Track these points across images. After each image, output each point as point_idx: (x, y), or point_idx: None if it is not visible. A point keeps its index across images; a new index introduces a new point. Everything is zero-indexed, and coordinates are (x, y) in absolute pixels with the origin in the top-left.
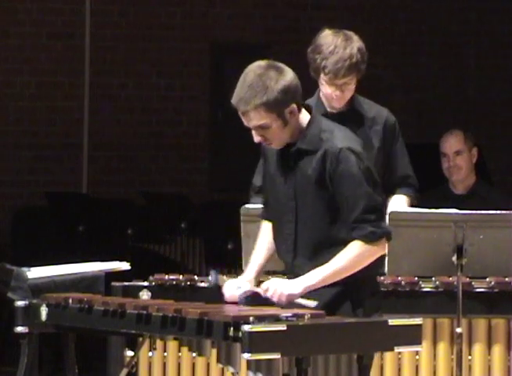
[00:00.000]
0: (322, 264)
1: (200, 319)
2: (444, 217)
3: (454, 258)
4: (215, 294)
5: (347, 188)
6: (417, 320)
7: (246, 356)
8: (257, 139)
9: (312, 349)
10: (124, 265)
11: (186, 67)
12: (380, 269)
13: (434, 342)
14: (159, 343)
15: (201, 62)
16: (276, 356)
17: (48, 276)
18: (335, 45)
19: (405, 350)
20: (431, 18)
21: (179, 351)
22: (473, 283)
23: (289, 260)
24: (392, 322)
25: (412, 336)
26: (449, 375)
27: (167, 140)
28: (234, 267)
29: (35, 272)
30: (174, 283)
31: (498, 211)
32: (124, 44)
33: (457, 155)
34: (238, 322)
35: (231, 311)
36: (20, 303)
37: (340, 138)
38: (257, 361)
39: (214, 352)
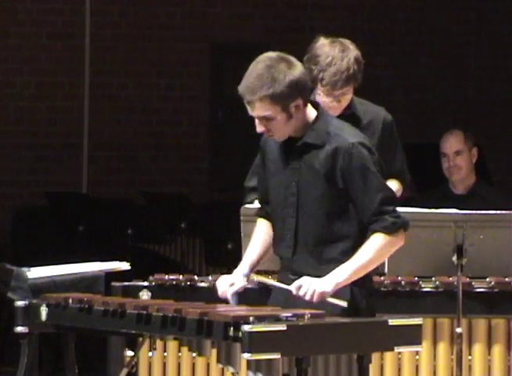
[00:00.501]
0: (322, 260)
1: (200, 320)
2: (444, 217)
3: (454, 258)
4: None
5: (362, 182)
6: (417, 320)
7: (247, 356)
8: (259, 128)
9: (312, 349)
10: (124, 265)
11: (186, 67)
12: (376, 268)
13: (434, 342)
14: (159, 343)
15: (201, 62)
16: (276, 356)
17: (48, 276)
18: (332, 56)
19: (405, 350)
20: (431, 18)
21: (179, 351)
22: (473, 283)
23: (288, 255)
24: (392, 322)
25: (412, 336)
26: (449, 375)
27: (167, 140)
28: (234, 267)
29: (35, 272)
30: (174, 283)
31: (498, 211)
32: (124, 44)
33: (457, 155)
34: (238, 322)
35: (231, 311)
36: (20, 303)
37: (351, 133)
38: (257, 361)
39: (214, 352)
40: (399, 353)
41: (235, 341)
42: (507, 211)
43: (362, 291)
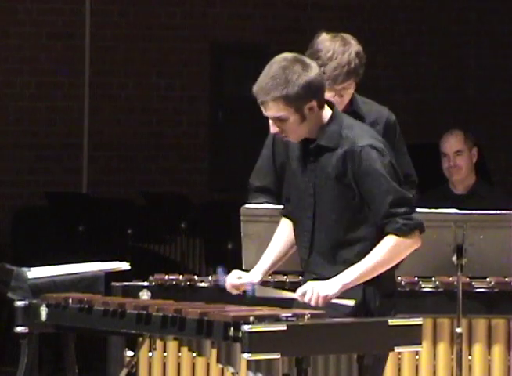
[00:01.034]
0: (337, 262)
1: (199, 320)
2: (444, 217)
3: (454, 258)
4: (215, 294)
5: (372, 185)
6: (417, 320)
7: (246, 356)
8: (273, 129)
9: (312, 349)
10: (124, 265)
11: (186, 67)
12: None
13: (434, 342)
14: (159, 343)
15: (201, 62)
16: (276, 356)
17: (48, 276)
18: (333, 50)
19: (405, 350)
20: (431, 18)
21: (179, 351)
22: (473, 283)
23: (305, 257)
24: (392, 322)
25: (412, 336)
26: (449, 375)
27: (167, 140)
28: (234, 267)
29: (35, 273)
30: (174, 283)
31: (498, 211)
32: (124, 44)
33: (457, 155)
34: (238, 322)
35: (231, 311)
36: (20, 303)
37: (361, 136)
38: (257, 361)
39: (214, 352)
40: (399, 353)
41: (235, 341)
42: (507, 211)
43: (377, 291)
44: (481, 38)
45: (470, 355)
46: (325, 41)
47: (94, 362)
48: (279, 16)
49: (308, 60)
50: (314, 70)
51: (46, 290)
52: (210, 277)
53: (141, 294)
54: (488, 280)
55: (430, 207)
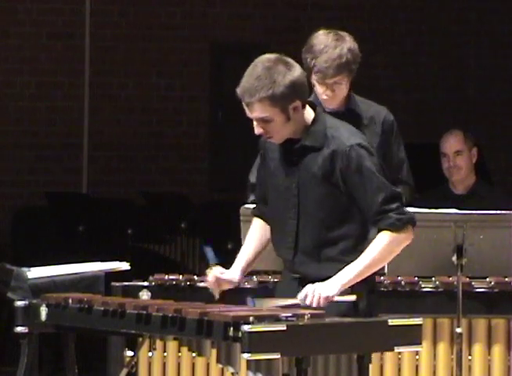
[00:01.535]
0: (321, 260)
1: (199, 320)
2: (444, 217)
3: (454, 258)
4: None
5: (363, 183)
6: (417, 320)
7: (246, 356)
8: (257, 130)
9: (312, 349)
10: (124, 265)
11: (186, 67)
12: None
13: (434, 342)
14: (159, 343)
15: (201, 62)
16: (276, 356)
17: (48, 276)
18: (325, 44)
19: (405, 350)
20: (431, 18)
21: (179, 351)
22: (473, 283)
23: (289, 257)
24: (392, 322)
25: (412, 336)
26: (449, 375)
27: (167, 140)
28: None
29: (35, 273)
30: (174, 283)
31: (498, 211)
32: (124, 44)
33: (457, 155)
34: (238, 322)
35: (231, 311)
36: (20, 303)
37: (348, 135)
38: (257, 361)
39: (213, 352)
40: (399, 353)
41: (235, 341)
42: (507, 211)
43: (364, 288)
44: (481, 38)
45: (470, 355)
46: (319, 36)
47: (94, 362)
48: (279, 16)
49: (290, 60)
50: (297, 69)
51: (46, 290)
52: None
53: (141, 294)
54: (488, 280)
55: (430, 207)
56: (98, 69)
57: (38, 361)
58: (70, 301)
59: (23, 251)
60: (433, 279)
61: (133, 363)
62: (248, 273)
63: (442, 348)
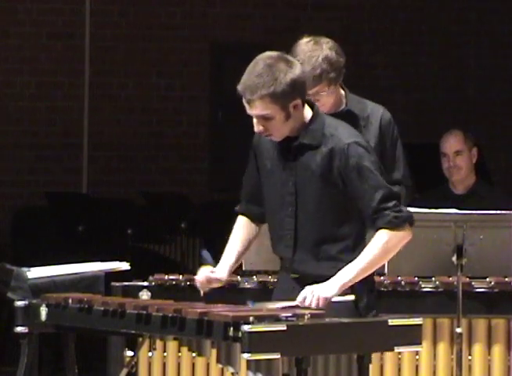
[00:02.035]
0: (321, 258)
1: (199, 320)
2: (444, 217)
3: (454, 258)
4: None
5: (360, 181)
6: (417, 320)
7: (246, 356)
8: (257, 128)
9: (312, 349)
10: (124, 265)
11: (186, 67)
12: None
13: (434, 342)
14: (159, 343)
15: (201, 62)
16: (276, 356)
17: (48, 276)
18: (302, 55)
19: (405, 350)
20: (431, 18)
21: (179, 351)
22: (473, 283)
23: (288, 255)
24: (392, 322)
25: (412, 336)
26: (449, 375)
27: (167, 140)
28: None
29: (35, 273)
30: (174, 283)
31: (498, 211)
32: (124, 44)
33: (457, 155)
34: (238, 322)
35: (231, 311)
36: (20, 303)
37: (346, 134)
38: (257, 361)
39: (213, 352)
40: (399, 353)
41: (235, 341)
42: (507, 211)
43: (364, 287)
44: (481, 38)
45: (470, 355)
46: (299, 46)
47: (94, 362)
48: (279, 16)
49: (291, 58)
50: (298, 68)
51: (46, 290)
52: None
53: (141, 294)
54: (488, 280)
55: (430, 207)
56: (98, 69)
57: (38, 361)
58: (70, 301)
59: (23, 251)
60: (433, 279)
61: (133, 363)
62: (248, 273)
63: (442, 348)
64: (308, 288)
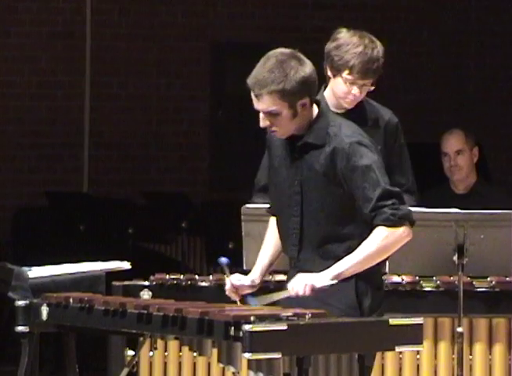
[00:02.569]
0: (327, 258)
1: (200, 319)
2: (445, 216)
3: (455, 258)
4: (216, 294)
5: (361, 180)
6: (418, 320)
7: (247, 355)
8: (263, 123)
9: (313, 349)
10: (125, 265)
11: (187, 66)
12: (383, 264)
13: (435, 342)
14: (160, 343)
15: (202, 61)
16: (277, 355)
17: (49, 276)
18: (364, 45)
19: (406, 350)
20: (431, 17)
21: (180, 350)
22: (474, 282)
23: (294, 254)
24: (393, 321)
25: (413, 335)
26: (450, 375)
27: (167, 139)
28: (235, 267)
29: (36, 272)
30: (175, 282)
31: (499, 211)
32: (125, 43)
33: (458, 154)
34: (239, 321)
35: (232, 310)
36: (21, 303)
37: (349, 133)
38: (258, 361)
39: (214, 351)
40: (400, 353)
41: (236, 340)
42: (508, 211)
43: (368, 285)
44: (482, 38)
45: (471, 354)
46: (352, 36)
47: (95, 361)
48: (280, 15)
49: (303, 56)
50: (309, 66)
51: (47, 289)
52: (210, 277)
53: (142, 293)
54: (489, 279)
55: (431, 207)
56: (98, 68)
57: (39, 361)
58: (71, 300)
59: (24, 250)
60: (434, 278)
61: (134, 362)
62: (249, 272)
63: (443, 347)
64: (299, 276)
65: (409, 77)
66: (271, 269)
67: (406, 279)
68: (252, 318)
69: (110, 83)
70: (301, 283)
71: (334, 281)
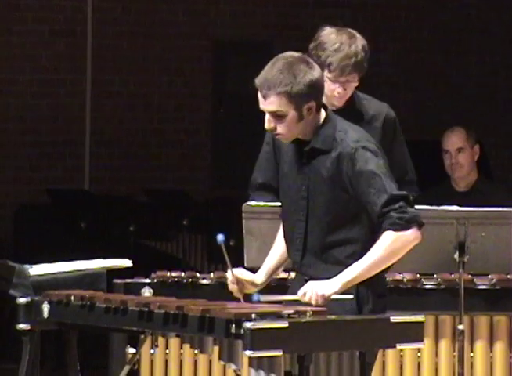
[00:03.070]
0: (329, 263)
1: (201, 317)
2: (446, 214)
3: (456, 255)
4: (217, 291)
5: (367, 185)
6: (419, 317)
7: (248, 353)
8: (268, 125)
9: (314, 346)
10: (126, 262)
11: (188, 64)
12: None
13: (436, 339)
14: (161, 340)
15: (203, 59)
16: (278, 353)
17: (50, 273)
18: (340, 42)
19: (407, 347)
20: (432, 15)
21: (181, 348)
22: (475, 280)
23: (297, 259)
24: (394, 319)
25: (414, 333)
26: (451, 372)
27: (169, 137)
28: (236, 264)
29: (37, 269)
30: (176, 280)
31: (500, 209)
32: (126, 41)
33: (459, 152)
34: (240, 319)
35: (233, 308)
36: (22, 300)
37: (355, 138)
38: (259, 358)
39: (216, 349)
40: (401, 350)
41: (237, 338)
42: (509, 209)
43: (370, 291)
44: (483, 35)
45: (472, 352)
46: (331, 34)
47: (96, 359)
48: (281, 13)
49: (312, 61)
50: (318, 70)
51: (48, 287)
52: (212, 274)
53: (143, 291)
54: (490, 277)
55: (432, 205)
56: (100, 66)
57: (40, 358)
58: (72, 298)
59: (25, 247)
60: (435, 276)
61: (135, 360)
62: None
63: (444, 345)
64: (309, 284)
65: (411, 74)
66: (277, 272)
67: (407, 276)
68: (253, 316)
69: (112, 81)
70: (312, 293)
71: (351, 296)
